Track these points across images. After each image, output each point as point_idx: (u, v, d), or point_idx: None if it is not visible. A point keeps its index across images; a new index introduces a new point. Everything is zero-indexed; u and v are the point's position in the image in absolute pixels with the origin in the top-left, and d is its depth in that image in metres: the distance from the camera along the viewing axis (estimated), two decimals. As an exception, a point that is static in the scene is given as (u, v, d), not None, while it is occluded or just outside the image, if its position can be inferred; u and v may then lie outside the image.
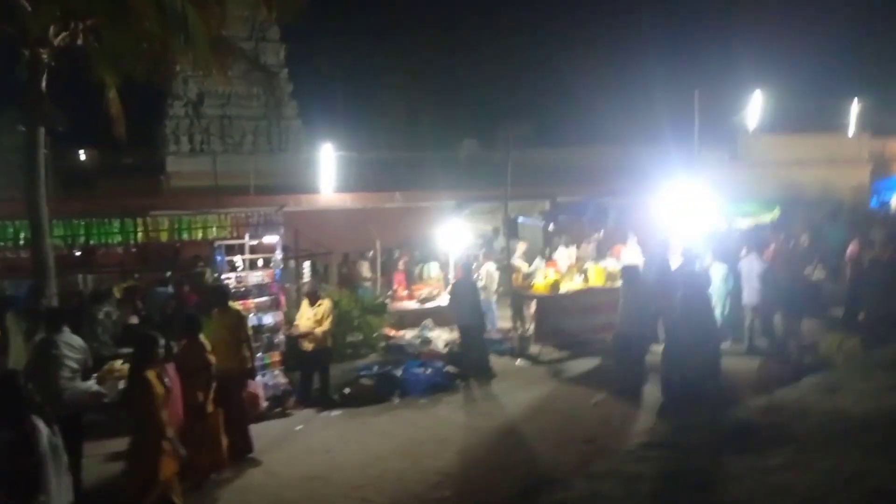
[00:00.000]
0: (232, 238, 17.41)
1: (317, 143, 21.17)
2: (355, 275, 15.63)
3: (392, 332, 13.07)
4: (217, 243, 10.48)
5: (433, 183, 19.99)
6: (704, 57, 27.05)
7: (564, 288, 12.95)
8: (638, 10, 29.82)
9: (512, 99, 30.83)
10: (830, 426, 5.02)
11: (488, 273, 13.26)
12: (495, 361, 11.91)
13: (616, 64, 28.46)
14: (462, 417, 9.48)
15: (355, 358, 11.86)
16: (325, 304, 9.79)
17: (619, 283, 13.67)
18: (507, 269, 12.93)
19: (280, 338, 9.86)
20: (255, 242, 10.69)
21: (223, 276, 9.65)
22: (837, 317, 13.34)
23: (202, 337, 7.19)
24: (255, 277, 9.81)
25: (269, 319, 9.70)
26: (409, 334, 13.05)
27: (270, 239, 10.51)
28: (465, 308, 11.09)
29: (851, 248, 14.03)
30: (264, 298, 9.80)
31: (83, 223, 14.35)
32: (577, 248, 15.22)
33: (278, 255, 10.45)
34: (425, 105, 30.50)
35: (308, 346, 9.71)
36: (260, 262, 10.39)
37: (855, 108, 25.55)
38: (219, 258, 10.06)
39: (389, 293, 14.70)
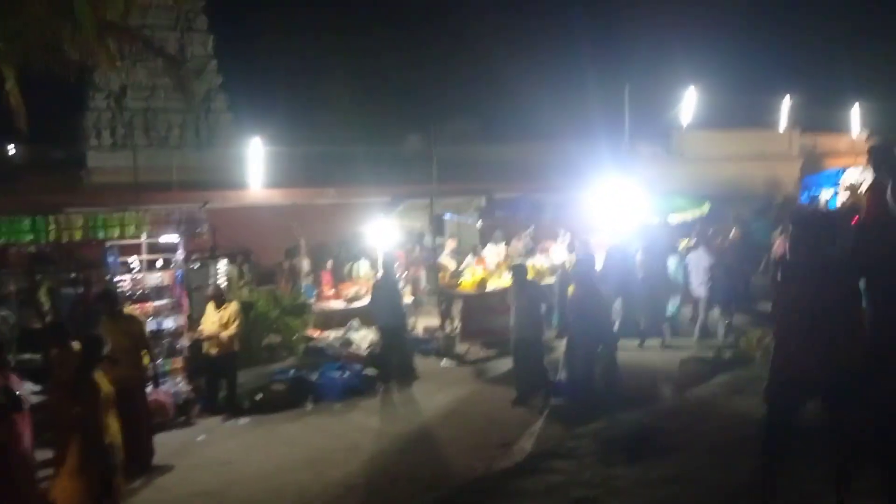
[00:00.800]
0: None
1: (250, 138, 20.55)
2: (297, 271, 15.12)
3: (316, 334, 12.63)
4: (109, 243, 9.86)
5: (373, 179, 19.51)
6: (639, 53, 27.16)
7: (492, 286, 12.68)
8: (574, 6, 29.75)
9: (457, 95, 30.48)
10: (729, 431, 4.83)
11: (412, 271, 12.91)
12: (420, 362, 11.61)
13: (553, 60, 28.37)
14: (376, 423, 9.13)
15: (273, 361, 11.40)
16: (231, 307, 9.32)
17: (549, 279, 13.64)
18: (433, 268, 12.59)
19: (183, 343, 9.34)
20: (154, 241, 10.09)
21: (116, 279, 9.09)
22: (766, 311, 13.47)
23: (74, 346, 6.68)
24: (154, 279, 9.27)
25: (169, 324, 9.19)
26: (333, 335, 12.65)
27: (170, 238, 9.96)
28: (386, 308, 10.74)
29: (777, 244, 14.12)
30: (164, 301, 9.27)
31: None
32: (508, 245, 14.96)
33: (179, 254, 9.90)
34: (369, 100, 29.96)
35: (213, 350, 9.22)
36: (159, 263, 9.83)
37: (786, 104, 25.97)
38: (111, 259, 9.49)
39: (316, 292, 14.22)
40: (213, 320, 9.24)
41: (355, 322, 12.96)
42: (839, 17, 30.63)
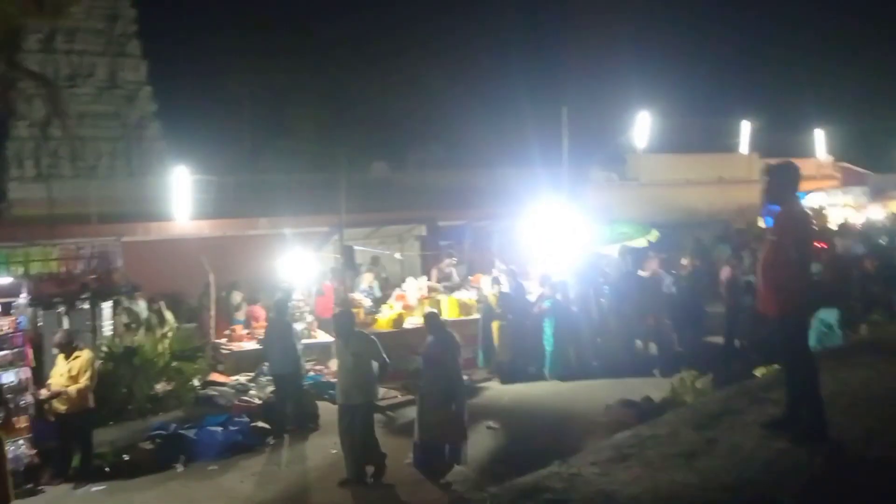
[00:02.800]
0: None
1: (181, 167, 19.49)
2: (205, 309, 13.98)
3: (221, 379, 11.48)
4: None
5: (310, 208, 18.42)
6: (590, 77, 26.45)
7: (411, 323, 11.63)
8: (526, 31, 29.11)
9: (421, 120, 29.73)
10: None
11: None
12: (327, 409, 10.45)
13: (503, 87, 27.61)
14: (249, 487, 7.97)
15: (157, 413, 10.18)
16: (83, 357, 8.16)
17: (474, 315, 12.62)
18: (345, 304, 11.49)
19: (27, 399, 8.14)
20: None
21: None
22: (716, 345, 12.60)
23: None
24: None
25: (10, 377, 8.00)
26: (243, 379, 11.51)
27: (2, 280, 8.76)
28: (278, 352, 9.63)
29: (724, 272, 13.21)
30: (2, 353, 8.08)
31: None
32: (428, 278, 13.92)
33: (22, 298, 8.75)
34: (314, 126, 29.13)
35: (62, 407, 8.04)
36: None
37: (746, 127, 25.37)
38: None
39: (227, 332, 13.07)
40: (62, 372, 8.06)
41: (266, 365, 11.83)
42: (801, 41, 30.25)
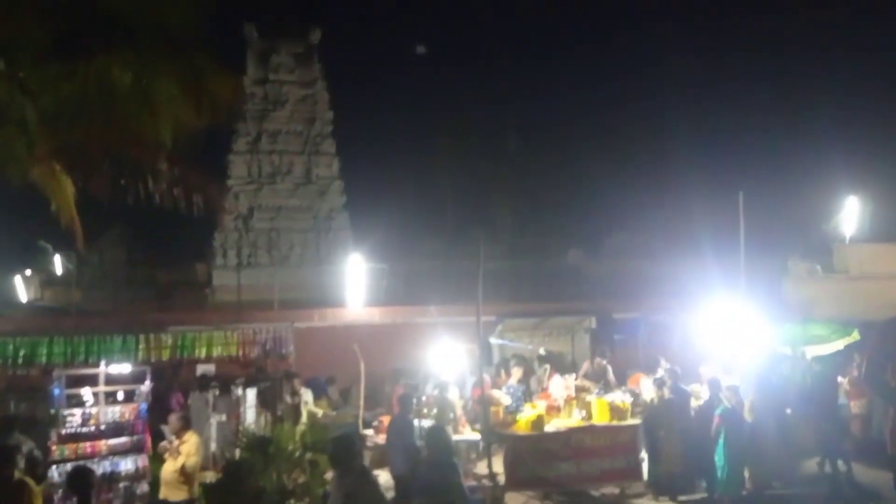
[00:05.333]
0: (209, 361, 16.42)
1: (366, 256, 20.34)
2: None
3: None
4: (56, 372, 9.09)
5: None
6: (794, 161, 24.32)
7: (554, 426, 10.81)
8: (736, 116, 27.55)
9: (617, 207, 29.10)
10: None
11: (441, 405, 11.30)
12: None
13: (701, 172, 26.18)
14: None
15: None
16: (190, 440, 8.17)
17: (630, 420, 11.49)
18: (483, 402, 10.96)
19: (143, 488, 8.34)
20: (115, 371, 9.29)
21: (64, 413, 8.34)
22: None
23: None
24: (110, 414, 8.47)
25: (128, 465, 8.26)
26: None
27: (123, 367, 9.12)
28: (399, 452, 9.26)
29: None
30: (122, 440, 8.38)
31: (84, 339, 14.02)
32: (577, 377, 12.92)
33: (145, 385, 9.11)
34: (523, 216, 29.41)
35: (170, 496, 8.12)
36: (120, 395, 9.02)
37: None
38: (56, 391, 8.73)
39: (375, 424, 12.99)
40: (174, 457, 8.23)
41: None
42: None
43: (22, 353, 10.88)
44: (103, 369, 9.22)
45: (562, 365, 15.30)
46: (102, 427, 8.45)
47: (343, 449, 6.06)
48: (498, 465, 10.65)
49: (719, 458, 10.40)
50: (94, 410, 8.65)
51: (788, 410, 12.05)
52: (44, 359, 10.34)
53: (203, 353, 16.83)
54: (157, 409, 10.17)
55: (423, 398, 11.58)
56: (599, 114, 29.82)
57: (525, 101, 29.03)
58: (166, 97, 10.01)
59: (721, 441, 10.34)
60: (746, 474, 10.57)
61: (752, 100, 25.75)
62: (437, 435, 6.81)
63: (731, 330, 12.86)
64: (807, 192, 21.71)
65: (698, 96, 30.17)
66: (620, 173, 29.36)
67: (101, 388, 9.10)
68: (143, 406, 8.97)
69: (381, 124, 27.90)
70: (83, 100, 9.65)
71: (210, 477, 10.47)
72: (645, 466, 11.03)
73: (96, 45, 9.99)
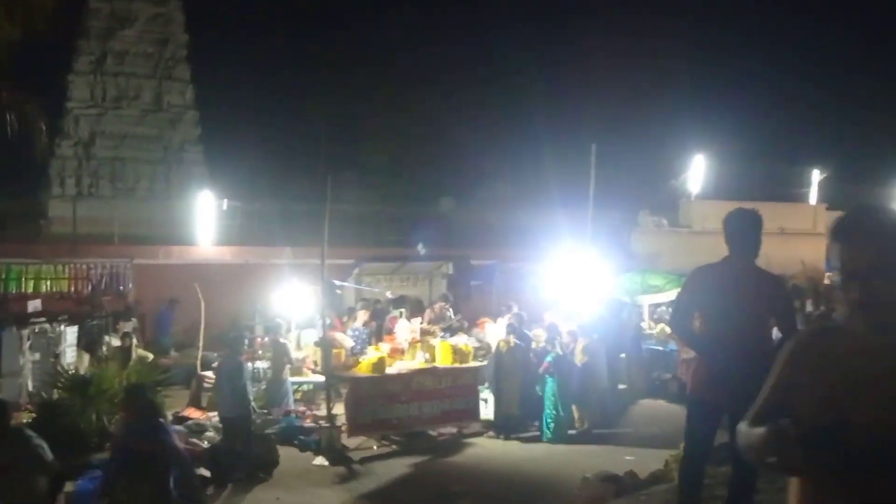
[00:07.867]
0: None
1: (224, 193, 19.31)
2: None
3: (196, 415, 10.83)
4: None
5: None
6: (649, 118, 25.20)
7: (396, 368, 10.72)
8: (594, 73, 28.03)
9: (491, 158, 29.09)
10: None
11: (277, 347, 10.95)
12: (292, 457, 9.63)
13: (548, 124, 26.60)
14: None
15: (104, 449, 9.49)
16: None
17: (472, 362, 11.59)
18: (323, 344, 10.69)
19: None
20: None
21: None
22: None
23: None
24: None
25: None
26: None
27: None
28: (227, 394, 8.86)
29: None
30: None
31: None
32: (422, 320, 12.95)
33: None
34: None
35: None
36: None
37: (815, 178, 23.62)
38: None
39: (214, 366, 12.44)
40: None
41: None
42: (881, 84, 28.20)
43: None
44: None
45: (419, 310, 15.27)
46: None
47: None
48: (340, 408, 10.51)
49: (548, 401, 10.74)
50: None
51: (623, 355, 12.58)
52: None
53: (31, 287, 15.68)
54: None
55: (257, 340, 11.14)
56: (474, 67, 29.50)
57: (408, 48, 28.13)
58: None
59: (550, 385, 10.68)
60: (576, 415, 10.98)
61: (607, 59, 26.18)
62: (136, 394, 6.11)
63: (578, 278, 13.19)
64: (658, 149, 22.55)
65: (559, 52, 30.49)
66: (494, 125, 29.42)
67: None
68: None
69: (248, 54, 26.26)
70: None
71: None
72: (491, 408, 11.23)
73: None
